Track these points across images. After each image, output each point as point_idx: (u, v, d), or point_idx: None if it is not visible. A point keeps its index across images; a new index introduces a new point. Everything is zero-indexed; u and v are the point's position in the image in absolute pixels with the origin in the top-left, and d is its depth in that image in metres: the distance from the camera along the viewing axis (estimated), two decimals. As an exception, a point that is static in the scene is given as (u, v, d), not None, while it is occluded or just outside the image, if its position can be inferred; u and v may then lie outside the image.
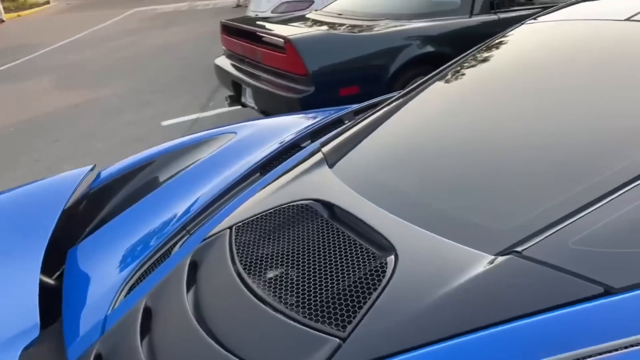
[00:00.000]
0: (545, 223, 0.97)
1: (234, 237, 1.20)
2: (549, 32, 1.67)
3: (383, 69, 3.58)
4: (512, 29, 1.80)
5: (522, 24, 1.82)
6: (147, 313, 1.09)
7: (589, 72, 1.40)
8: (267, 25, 4.05)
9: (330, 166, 1.37)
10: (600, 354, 0.78)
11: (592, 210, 0.96)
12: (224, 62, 4.44)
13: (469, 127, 1.34)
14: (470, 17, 3.89)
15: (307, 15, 4.39)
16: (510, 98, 1.41)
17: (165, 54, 8.65)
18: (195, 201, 1.48)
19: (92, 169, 1.64)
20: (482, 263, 0.94)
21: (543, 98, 1.36)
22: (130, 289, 1.22)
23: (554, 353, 0.80)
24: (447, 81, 1.62)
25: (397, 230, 1.06)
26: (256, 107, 3.99)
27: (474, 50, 1.76)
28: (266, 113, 3.93)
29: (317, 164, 1.39)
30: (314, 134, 1.73)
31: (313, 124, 1.81)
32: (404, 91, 1.71)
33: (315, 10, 4.61)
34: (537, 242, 0.94)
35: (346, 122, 1.83)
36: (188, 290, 1.11)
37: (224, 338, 0.96)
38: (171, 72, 7.25)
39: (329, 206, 1.20)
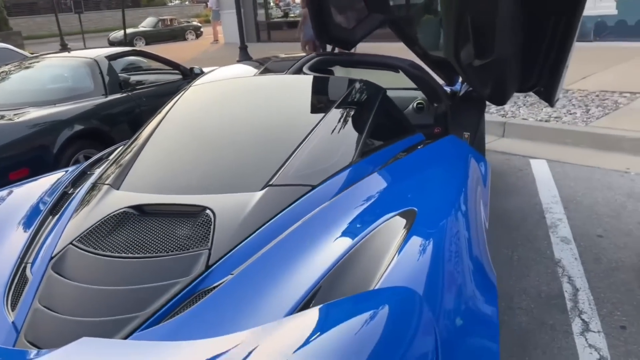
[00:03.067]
0: (273, 171, 1.87)
1: (81, 245, 1.62)
2: (214, 86, 2.64)
3: (46, 149, 3.85)
4: (187, 89, 2.66)
5: (190, 85, 2.72)
6: (47, 306, 1.42)
7: (248, 104, 2.42)
8: None
9: (117, 188, 1.90)
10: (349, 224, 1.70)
11: (292, 155, 1.91)
12: None
13: (202, 135, 2.16)
14: (106, 96, 4.58)
15: None
16: (215, 117, 2.30)
17: None
18: (10, 251, 1.71)
19: None
20: (257, 195, 1.75)
21: (237, 110, 2.30)
22: (13, 307, 1.45)
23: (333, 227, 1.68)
24: (173, 113, 2.37)
25: (197, 199, 1.75)
26: None
27: (176, 98, 2.56)
28: None
29: (105, 192, 1.89)
30: (74, 183, 2.14)
31: (64, 180, 2.21)
32: (140, 131, 2.35)
33: None
34: (276, 178, 1.82)
35: (88, 173, 2.29)
36: (75, 280, 1.49)
37: (129, 282, 1.45)
38: None
39: (140, 206, 1.76)
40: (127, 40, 19.20)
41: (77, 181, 2.18)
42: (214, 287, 1.42)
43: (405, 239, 1.44)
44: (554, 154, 4.84)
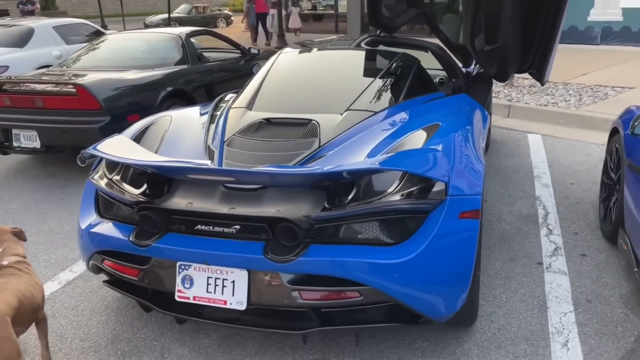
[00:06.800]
0: (350, 102, 2.98)
1: (240, 135, 2.74)
2: (301, 52, 3.78)
3: (150, 102, 5.01)
4: (279, 53, 3.80)
5: (280, 52, 3.85)
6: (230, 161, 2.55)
7: (331, 62, 3.55)
8: (33, 78, 4.83)
9: (250, 109, 3.02)
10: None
11: (361, 94, 3.04)
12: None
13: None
14: (188, 65, 5.73)
15: (52, 69, 5.29)
16: (310, 67, 3.44)
17: None
18: (197, 139, 2.85)
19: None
20: (340, 115, 2.87)
21: (320, 67, 3.44)
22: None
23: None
24: (276, 66, 3.53)
25: (306, 116, 2.87)
26: (39, 146, 4.69)
27: (278, 56, 3.71)
28: (52, 148, 4.70)
29: (244, 112, 3.01)
30: (214, 109, 3.28)
31: (207, 107, 3.35)
32: (250, 79, 3.49)
33: (59, 66, 5.52)
34: (352, 106, 2.95)
35: (220, 105, 3.43)
36: (250, 150, 2.61)
37: (275, 151, 2.57)
38: None
39: (268, 119, 2.89)
40: (166, 25, 20.36)
41: (215, 108, 3.32)
42: (324, 156, 2.54)
43: (433, 135, 2.55)
44: (547, 131, 5.91)
